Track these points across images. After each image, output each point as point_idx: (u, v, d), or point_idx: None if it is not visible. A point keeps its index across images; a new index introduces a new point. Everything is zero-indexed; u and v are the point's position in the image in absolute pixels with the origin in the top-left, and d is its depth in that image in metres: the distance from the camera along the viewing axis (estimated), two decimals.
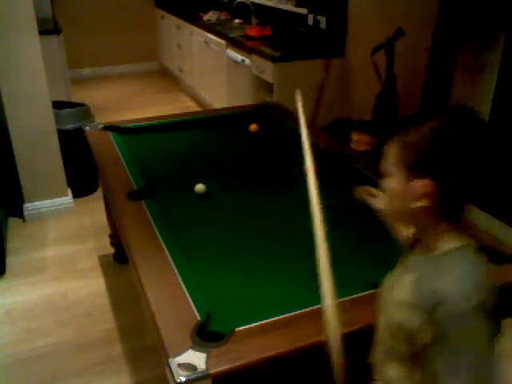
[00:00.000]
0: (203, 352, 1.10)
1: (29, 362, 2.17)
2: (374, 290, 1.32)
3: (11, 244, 2.99)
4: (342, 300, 1.27)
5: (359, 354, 1.27)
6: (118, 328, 2.36)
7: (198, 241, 1.63)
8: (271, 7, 4.59)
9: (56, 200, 3.29)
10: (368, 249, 1.59)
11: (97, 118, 3.60)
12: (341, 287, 1.37)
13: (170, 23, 5.98)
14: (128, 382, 2.08)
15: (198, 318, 1.21)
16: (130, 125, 2.57)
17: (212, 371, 1.06)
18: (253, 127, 2.57)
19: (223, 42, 4.41)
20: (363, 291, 1.33)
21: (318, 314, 1.24)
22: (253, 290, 1.38)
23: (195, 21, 5.23)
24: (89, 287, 2.65)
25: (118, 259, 2.82)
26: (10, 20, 2.84)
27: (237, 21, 5.13)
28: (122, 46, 6.59)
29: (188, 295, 1.29)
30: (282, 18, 4.47)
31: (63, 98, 4.03)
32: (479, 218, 2.89)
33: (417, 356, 0.93)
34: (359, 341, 1.24)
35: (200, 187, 1.91)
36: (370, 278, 1.42)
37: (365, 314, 1.23)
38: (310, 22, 4.02)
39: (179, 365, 1.06)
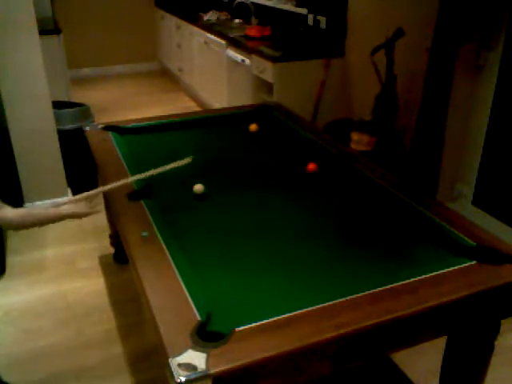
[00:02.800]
0: (203, 352, 1.10)
1: (29, 361, 2.17)
2: (367, 292, 1.33)
3: (11, 244, 2.99)
4: (335, 302, 1.28)
5: (353, 356, 1.28)
6: (118, 328, 2.37)
7: (198, 241, 1.63)
8: (271, 7, 4.59)
9: (56, 200, 3.29)
10: (368, 251, 1.59)
11: (97, 118, 3.61)
12: (335, 288, 1.37)
13: (170, 23, 5.98)
14: (128, 382, 2.08)
15: (198, 318, 1.21)
16: (130, 125, 2.57)
17: (212, 371, 1.06)
18: (253, 127, 2.57)
19: (223, 42, 4.41)
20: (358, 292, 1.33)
21: (318, 314, 1.25)
22: (253, 290, 1.38)
23: (195, 21, 5.23)
24: (89, 287, 2.65)
25: (118, 259, 2.82)
26: (10, 20, 2.84)
27: (237, 21, 5.13)
28: (121, 45, 6.60)
29: (188, 295, 1.29)
30: (282, 18, 4.47)
31: (63, 98, 4.03)
32: (479, 217, 2.89)
33: None
34: (352, 343, 1.25)
35: (198, 187, 1.91)
36: (367, 279, 1.42)
37: (357, 316, 1.23)
38: (310, 22, 4.02)
39: (179, 365, 1.06)
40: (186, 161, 1.86)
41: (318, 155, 2.25)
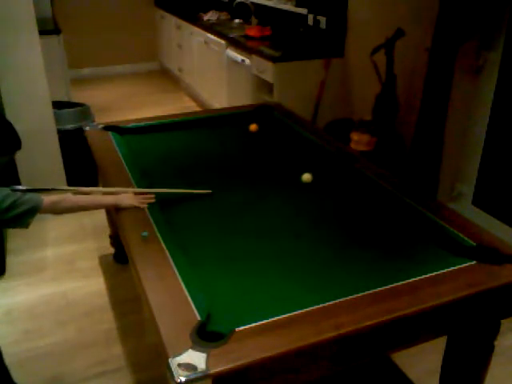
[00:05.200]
0: (203, 352, 1.10)
1: (29, 362, 2.17)
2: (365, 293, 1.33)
3: (11, 244, 2.99)
4: (335, 302, 1.28)
5: (353, 356, 1.27)
6: (118, 328, 2.37)
7: (198, 241, 1.63)
8: (271, 7, 4.59)
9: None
10: (368, 251, 1.59)
11: (97, 118, 3.60)
12: (334, 289, 1.37)
13: (170, 23, 5.98)
14: (128, 382, 2.08)
15: (198, 318, 1.21)
16: (131, 125, 2.57)
17: (212, 371, 1.06)
18: (253, 127, 2.57)
19: (223, 42, 4.41)
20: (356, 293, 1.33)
21: (318, 314, 1.25)
22: (253, 290, 1.38)
23: (195, 21, 5.23)
24: (89, 287, 2.65)
25: (118, 259, 2.82)
26: (10, 20, 2.84)
27: (237, 21, 5.13)
28: (122, 46, 6.59)
29: (188, 295, 1.29)
30: (282, 18, 4.47)
31: (63, 98, 4.03)
32: (479, 217, 2.89)
33: None
34: (352, 343, 1.25)
35: (307, 176, 2.00)
36: (367, 279, 1.42)
37: (357, 316, 1.23)
38: (310, 22, 4.02)
39: (179, 365, 1.06)
40: (206, 191, 1.92)
41: (317, 155, 2.25)
